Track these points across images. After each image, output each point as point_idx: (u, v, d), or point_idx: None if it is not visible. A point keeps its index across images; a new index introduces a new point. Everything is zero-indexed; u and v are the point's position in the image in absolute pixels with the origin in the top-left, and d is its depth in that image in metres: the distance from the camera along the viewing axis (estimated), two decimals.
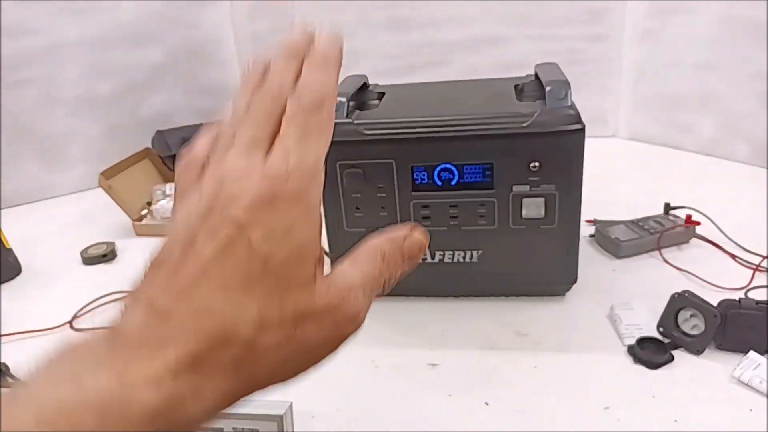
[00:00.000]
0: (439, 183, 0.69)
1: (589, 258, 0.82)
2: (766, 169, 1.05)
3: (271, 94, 0.28)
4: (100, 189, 1.26)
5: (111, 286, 0.81)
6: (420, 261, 0.31)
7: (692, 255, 0.81)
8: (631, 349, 0.63)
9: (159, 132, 1.23)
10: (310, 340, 0.25)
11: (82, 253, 0.94)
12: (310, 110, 0.27)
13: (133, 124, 1.29)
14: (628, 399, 0.57)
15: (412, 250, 0.31)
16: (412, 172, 0.69)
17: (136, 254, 0.96)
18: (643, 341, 0.63)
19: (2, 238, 0.90)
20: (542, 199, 0.67)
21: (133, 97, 1.29)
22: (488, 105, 0.71)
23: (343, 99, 0.71)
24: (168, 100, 1.32)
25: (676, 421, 0.54)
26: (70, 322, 0.77)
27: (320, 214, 0.27)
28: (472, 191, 0.68)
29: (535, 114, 0.65)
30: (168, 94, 1.32)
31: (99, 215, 1.11)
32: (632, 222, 0.86)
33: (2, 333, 0.76)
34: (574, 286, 0.72)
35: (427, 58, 1.31)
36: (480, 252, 0.71)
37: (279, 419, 0.51)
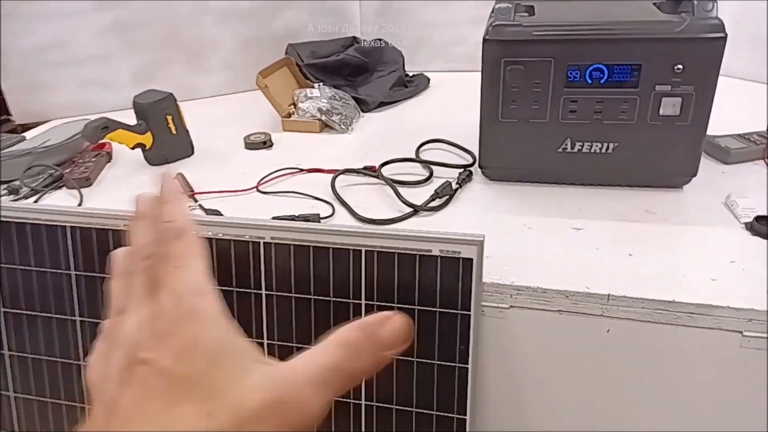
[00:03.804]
0: (590, 81, 0.81)
1: (701, 162, 0.93)
2: None
3: (139, 265, 0.31)
4: (238, 94, 1.41)
5: (274, 166, 0.97)
6: (402, 351, 0.28)
7: None
8: (748, 225, 0.75)
9: (291, 45, 1.36)
10: None
11: (245, 139, 1.09)
12: (173, 244, 0.30)
13: (266, 36, 1.42)
14: (749, 257, 0.69)
15: (392, 338, 0.28)
16: (567, 71, 0.81)
17: (288, 145, 1.11)
18: (759, 219, 0.75)
19: (183, 120, 1.06)
20: (680, 99, 0.79)
21: (268, 11, 1.42)
22: (637, 15, 0.82)
23: (510, 5, 0.83)
24: (296, 17, 1.45)
25: None
26: (256, 187, 0.93)
27: (226, 318, 0.28)
28: (618, 89, 0.80)
29: (686, 22, 0.76)
30: (297, 11, 1.44)
31: (246, 114, 1.26)
32: (738, 135, 0.96)
33: (200, 191, 0.92)
34: (692, 180, 0.85)
35: None
36: (616, 144, 0.83)
37: (479, 243, 0.65)
